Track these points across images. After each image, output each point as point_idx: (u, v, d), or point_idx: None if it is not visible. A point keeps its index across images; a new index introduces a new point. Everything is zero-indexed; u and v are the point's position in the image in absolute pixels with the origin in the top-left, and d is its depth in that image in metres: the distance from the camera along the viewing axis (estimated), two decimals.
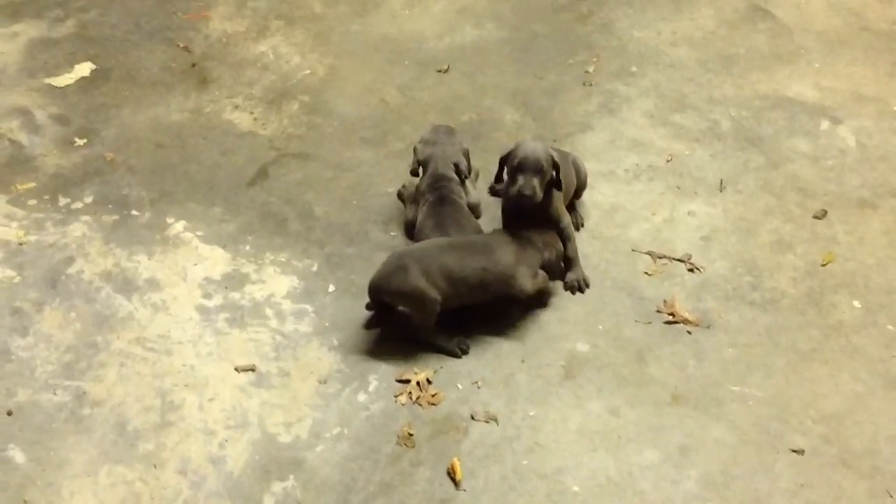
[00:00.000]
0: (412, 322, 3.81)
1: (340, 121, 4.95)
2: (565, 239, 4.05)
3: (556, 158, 3.90)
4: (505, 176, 3.96)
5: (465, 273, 3.75)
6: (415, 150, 4.28)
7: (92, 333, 3.87)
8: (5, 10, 5.56)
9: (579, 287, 4.06)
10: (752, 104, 5.06)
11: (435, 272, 3.70)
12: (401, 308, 3.86)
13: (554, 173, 3.90)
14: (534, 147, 3.85)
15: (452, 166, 4.17)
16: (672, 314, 3.95)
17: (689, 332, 3.90)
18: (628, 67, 5.32)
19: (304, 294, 4.05)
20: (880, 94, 5.10)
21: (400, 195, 4.46)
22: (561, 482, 3.39)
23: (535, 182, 3.82)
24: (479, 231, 4.08)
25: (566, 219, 4.07)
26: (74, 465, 3.43)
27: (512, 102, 5.08)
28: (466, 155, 4.27)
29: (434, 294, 3.70)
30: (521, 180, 3.81)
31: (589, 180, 4.46)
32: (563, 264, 4.07)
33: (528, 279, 3.88)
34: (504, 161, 3.94)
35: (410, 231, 4.19)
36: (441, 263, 3.71)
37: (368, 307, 3.92)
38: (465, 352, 3.82)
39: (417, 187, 4.24)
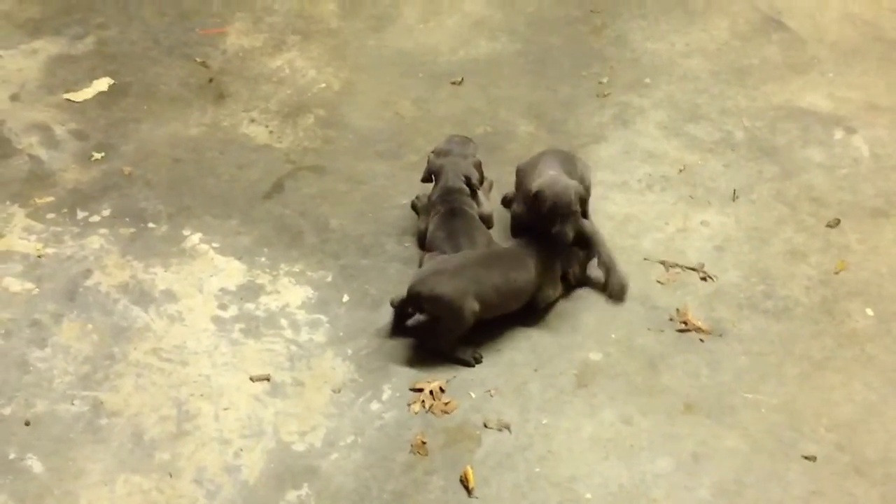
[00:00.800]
0: (437, 330, 3.82)
1: (355, 134, 5.00)
2: (596, 245, 4.11)
3: (581, 191, 3.94)
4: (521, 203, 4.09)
5: (510, 286, 3.82)
6: (428, 159, 4.32)
7: (109, 345, 3.91)
8: (25, 27, 5.64)
9: (621, 293, 4.10)
10: (765, 115, 5.07)
11: (486, 286, 3.76)
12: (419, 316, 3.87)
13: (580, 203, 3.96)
14: (563, 188, 3.89)
15: (463, 178, 4.20)
16: (685, 323, 3.95)
17: (701, 341, 3.91)
18: (642, 79, 5.34)
19: (318, 304, 4.09)
20: (894, 104, 5.10)
21: (414, 206, 4.49)
22: (573, 490, 3.40)
23: (569, 229, 3.89)
24: (490, 241, 4.10)
25: (590, 226, 4.11)
26: (92, 475, 3.47)
27: (526, 115, 5.11)
28: (478, 167, 4.29)
29: (475, 307, 3.75)
30: (557, 227, 3.88)
31: (603, 191, 4.50)
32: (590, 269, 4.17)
33: (551, 289, 3.97)
34: (521, 175, 4.08)
35: (423, 241, 4.22)
36: (490, 278, 3.77)
37: (398, 312, 3.93)
38: (478, 361, 3.84)
39: (429, 198, 4.27)
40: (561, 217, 3.87)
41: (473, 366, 3.83)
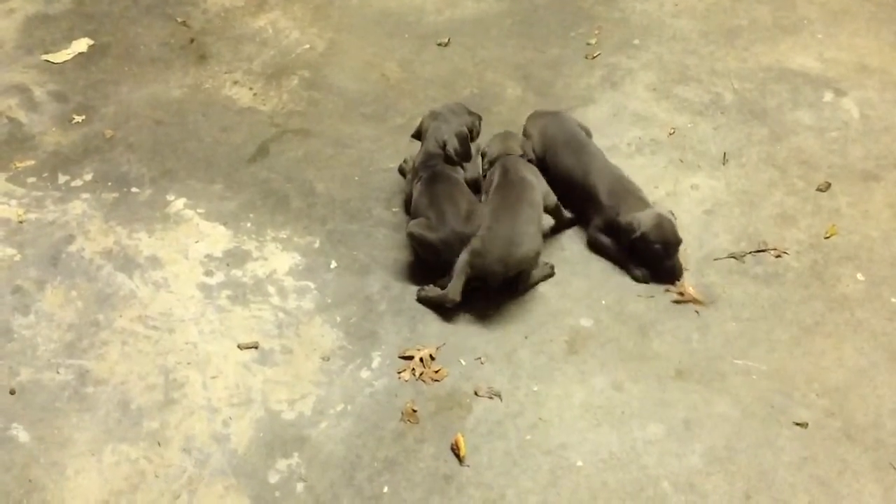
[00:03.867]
0: (522, 281, 3.89)
1: (341, 96, 4.92)
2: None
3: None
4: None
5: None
6: (422, 119, 4.24)
7: (94, 312, 3.86)
8: None
9: None
10: (755, 76, 5.02)
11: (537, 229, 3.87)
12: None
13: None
14: (670, 226, 3.93)
15: (441, 143, 4.11)
16: (681, 293, 3.92)
17: (692, 307, 3.89)
18: (630, 40, 5.28)
19: (306, 271, 4.04)
20: (884, 65, 5.07)
21: (401, 170, 4.43)
22: (565, 457, 3.39)
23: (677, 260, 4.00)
24: (474, 204, 4.01)
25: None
26: (78, 444, 3.44)
27: (513, 76, 5.05)
28: (463, 138, 4.16)
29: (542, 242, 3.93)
30: (667, 262, 3.97)
31: None
32: None
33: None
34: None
35: (409, 206, 4.17)
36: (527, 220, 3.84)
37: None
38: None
39: (414, 162, 4.21)
40: (670, 251, 3.94)
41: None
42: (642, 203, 4.04)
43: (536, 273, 3.93)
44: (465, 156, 4.19)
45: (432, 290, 3.89)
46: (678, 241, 3.94)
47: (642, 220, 3.93)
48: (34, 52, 5.11)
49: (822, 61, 5.11)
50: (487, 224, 3.81)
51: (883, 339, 3.77)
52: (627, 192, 4.08)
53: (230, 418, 3.52)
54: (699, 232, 4.17)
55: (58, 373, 3.65)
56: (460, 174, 4.15)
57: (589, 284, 3.98)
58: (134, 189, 4.37)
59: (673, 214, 4.01)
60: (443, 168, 4.08)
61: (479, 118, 4.33)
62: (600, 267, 4.05)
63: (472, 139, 4.26)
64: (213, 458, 3.41)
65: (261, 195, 4.37)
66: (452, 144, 4.13)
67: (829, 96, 4.89)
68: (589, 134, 4.38)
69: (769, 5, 5.50)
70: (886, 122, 4.72)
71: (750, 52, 5.18)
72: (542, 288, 3.96)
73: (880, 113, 4.77)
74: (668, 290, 3.94)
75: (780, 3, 5.52)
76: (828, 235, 4.17)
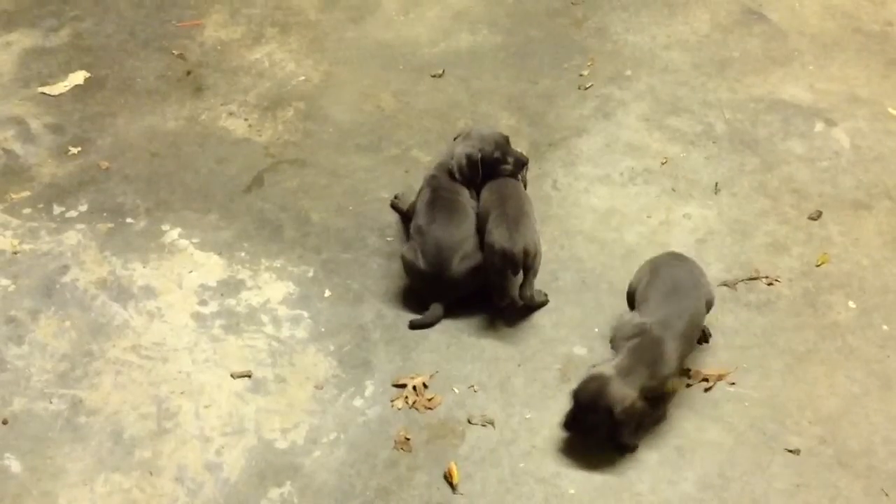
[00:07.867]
0: (531, 277, 3.93)
1: (336, 127, 4.95)
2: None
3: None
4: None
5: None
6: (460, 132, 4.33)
7: (87, 342, 3.87)
8: None
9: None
10: (746, 107, 5.06)
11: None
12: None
13: None
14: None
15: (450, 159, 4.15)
16: None
17: None
18: (623, 71, 5.32)
19: (299, 300, 4.06)
20: (874, 96, 5.11)
21: (394, 205, 4.45)
22: (558, 485, 3.39)
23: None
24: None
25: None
26: (71, 474, 3.44)
27: (507, 107, 5.09)
28: (471, 159, 4.10)
29: None
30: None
31: (585, 184, 4.55)
32: None
33: None
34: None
35: (408, 219, 4.20)
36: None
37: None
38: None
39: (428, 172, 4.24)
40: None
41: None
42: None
43: (537, 298, 3.96)
44: (467, 178, 4.14)
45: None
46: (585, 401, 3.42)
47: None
48: (31, 85, 5.14)
49: (813, 92, 5.15)
50: (496, 213, 3.92)
51: (875, 367, 3.78)
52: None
53: (223, 447, 3.52)
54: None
55: (51, 403, 3.65)
56: (462, 196, 4.13)
57: (583, 313, 4.00)
58: (129, 220, 4.39)
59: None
60: (450, 188, 4.09)
61: (519, 160, 4.23)
62: (594, 296, 4.07)
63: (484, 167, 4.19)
64: (206, 487, 3.40)
65: (255, 225, 4.39)
66: (459, 161, 4.12)
67: (819, 126, 4.93)
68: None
69: (760, 37, 5.55)
70: (876, 152, 4.75)
71: (741, 83, 5.22)
72: (536, 316, 3.98)
73: (870, 143, 4.81)
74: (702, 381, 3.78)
75: (772, 35, 5.56)
76: (819, 263, 4.19)
